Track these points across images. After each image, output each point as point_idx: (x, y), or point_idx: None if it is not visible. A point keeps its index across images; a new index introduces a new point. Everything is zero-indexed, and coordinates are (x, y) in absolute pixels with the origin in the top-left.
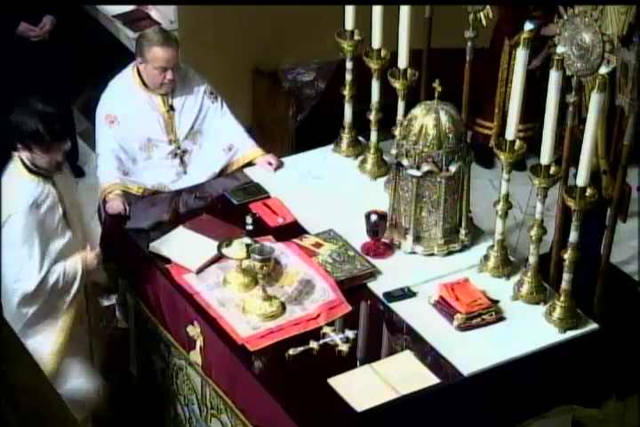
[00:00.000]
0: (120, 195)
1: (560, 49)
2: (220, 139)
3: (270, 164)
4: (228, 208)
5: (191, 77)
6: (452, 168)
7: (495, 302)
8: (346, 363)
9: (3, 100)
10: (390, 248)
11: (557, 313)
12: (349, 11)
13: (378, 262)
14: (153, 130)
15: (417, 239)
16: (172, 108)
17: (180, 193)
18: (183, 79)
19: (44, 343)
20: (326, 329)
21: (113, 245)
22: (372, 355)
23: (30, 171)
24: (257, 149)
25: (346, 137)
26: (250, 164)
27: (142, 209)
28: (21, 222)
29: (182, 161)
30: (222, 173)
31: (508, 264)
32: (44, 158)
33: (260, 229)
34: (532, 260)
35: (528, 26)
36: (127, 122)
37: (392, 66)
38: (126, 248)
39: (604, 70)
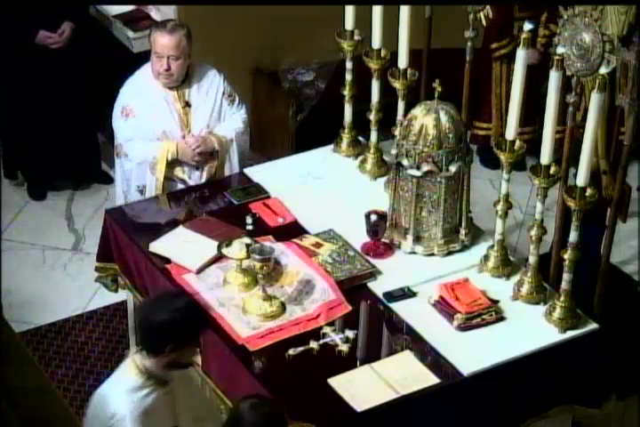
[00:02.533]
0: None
1: (560, 49)
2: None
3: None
4: (228, 208)
5: (205, 75)
6: (452, 168)
7: (495, 302)
8: (346, 363)
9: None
10: (390, 248)
11: (557, 313)
12: (349, 11)
13: (378, 262)
14: (168, 124)
15: (417, 239)
16: (187, 104)
17: (181, 193)
18: (201, 77)
19: None
20: (326, 329)
21: (113, 245)
22: (372, 355)
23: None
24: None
25: (346, 137)
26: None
27: (146, 209)
28: None
29: None
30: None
31: (508, 264)
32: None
33: (260, 229)
34: (531, 260)
35: (527, 26)
36: (142, 115)
37: (392, 66)
38: (126, 248)
39: (603, 70)
